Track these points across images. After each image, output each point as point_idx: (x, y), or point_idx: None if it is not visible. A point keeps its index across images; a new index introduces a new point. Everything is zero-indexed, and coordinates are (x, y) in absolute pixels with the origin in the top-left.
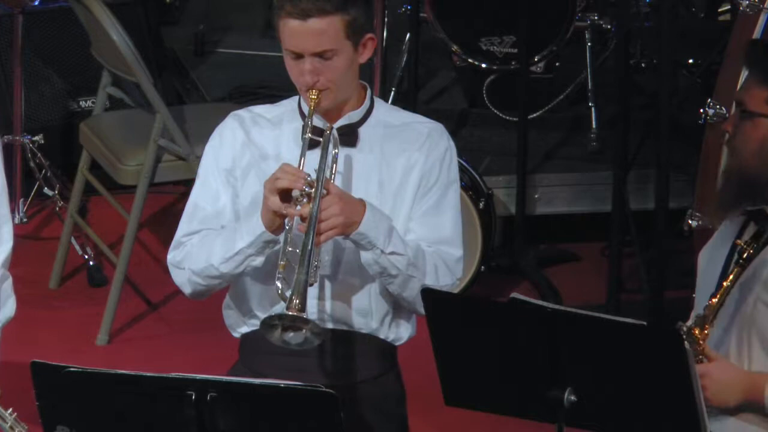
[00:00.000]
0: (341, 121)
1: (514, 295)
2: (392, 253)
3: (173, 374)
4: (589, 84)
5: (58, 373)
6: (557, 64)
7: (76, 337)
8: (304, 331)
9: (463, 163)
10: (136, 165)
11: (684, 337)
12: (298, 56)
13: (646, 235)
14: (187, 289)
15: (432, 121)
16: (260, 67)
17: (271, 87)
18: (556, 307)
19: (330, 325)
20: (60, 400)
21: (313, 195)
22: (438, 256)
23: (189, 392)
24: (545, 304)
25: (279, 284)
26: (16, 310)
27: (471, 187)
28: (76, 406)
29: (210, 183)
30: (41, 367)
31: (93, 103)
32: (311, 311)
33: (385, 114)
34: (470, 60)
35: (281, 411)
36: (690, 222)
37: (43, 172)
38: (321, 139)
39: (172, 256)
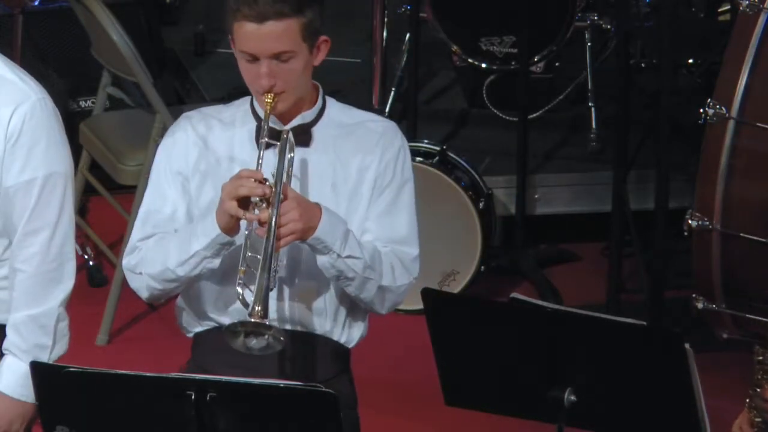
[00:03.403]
0: (295, 122)
1: (514, 295)
2: (348, 256)
3: (173, 374)
4: (589, 84)
5: (58, 373)
6: (557, 64)
7: (76, 337)
8: (266, 336)
9: (463, 163)
10: (136, 165)
11: (761, 359)
12: (254, 59)
13: (646, 235)
14: (144, 294)
15: (385, 119)
16: None
17: None
18: (556, 307)
19: (288, 327)
20: (60, 400)
21: (271, 200)
22: (394, 256)
23: (189, 392)
24: (545, 304)
25: (239, 290)
26: (68, 347)
27: (471, 187)
28: (76, 406)
29: (163, 186)
30: (41, 367)
31: (93, 103)
32: (271, 315)
33: (338, 113)
34: (470, 60)
35: (281, 411)
36: (690, 222)
37: None
38: (276, 142)
39: (127, 261)
